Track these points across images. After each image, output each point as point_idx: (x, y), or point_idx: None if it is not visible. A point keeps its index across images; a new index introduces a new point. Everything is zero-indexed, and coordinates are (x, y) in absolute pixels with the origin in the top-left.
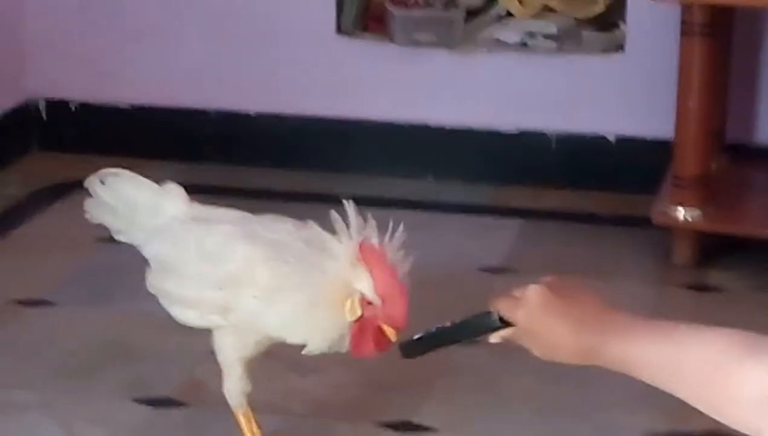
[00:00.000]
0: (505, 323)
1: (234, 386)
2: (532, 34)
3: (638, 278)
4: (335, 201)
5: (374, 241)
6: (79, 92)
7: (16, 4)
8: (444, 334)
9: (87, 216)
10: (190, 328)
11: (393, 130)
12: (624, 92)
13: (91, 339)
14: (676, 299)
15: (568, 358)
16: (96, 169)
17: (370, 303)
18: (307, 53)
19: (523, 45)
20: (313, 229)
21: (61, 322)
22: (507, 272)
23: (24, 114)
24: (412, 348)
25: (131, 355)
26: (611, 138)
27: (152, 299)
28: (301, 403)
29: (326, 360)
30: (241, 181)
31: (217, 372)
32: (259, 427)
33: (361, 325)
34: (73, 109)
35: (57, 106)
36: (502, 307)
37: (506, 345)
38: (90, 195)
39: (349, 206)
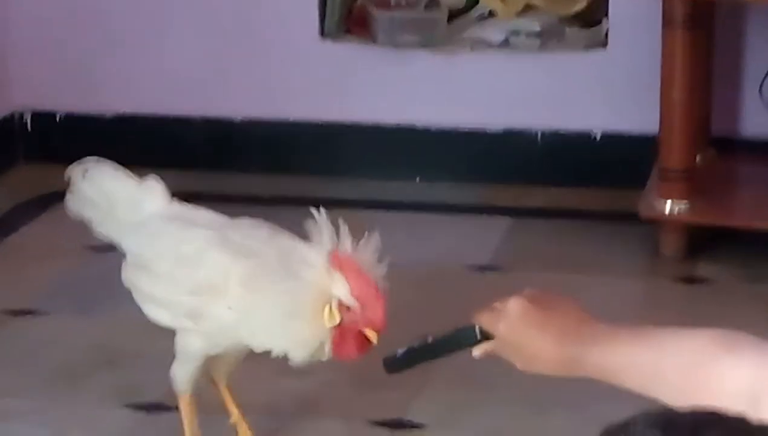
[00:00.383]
0: (486, 336)
1: (182, 373)
2: (515, 33)
3: (628, 273)
4: (323, 205)
5: (347, 247)
6: (64, 103)
7: (0, 15)
8: (426, 349)
9: (67, 206)
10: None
11: (379, 132)
12: (608, 88)
13: (80, 346)
14: (665, 292)
15: (550, 369)
16: None
17: (348, 308)
18: (291, 58)
19: (507, 44)
20: (288, 236)
21: (50, 330)
22: (495, 270)
23: (10, 125)
24: (395, 363)
25: (121, 361)
26: (596, 134)
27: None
28: (292, 402)
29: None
30: (229, 187)
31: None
32: (250, 428)
33: (341, 330)
34: (58, 119)
35: (43, 117)
36: (482, 320)
37: (489, 358)
38: (71, 186)
39: (321, 214)
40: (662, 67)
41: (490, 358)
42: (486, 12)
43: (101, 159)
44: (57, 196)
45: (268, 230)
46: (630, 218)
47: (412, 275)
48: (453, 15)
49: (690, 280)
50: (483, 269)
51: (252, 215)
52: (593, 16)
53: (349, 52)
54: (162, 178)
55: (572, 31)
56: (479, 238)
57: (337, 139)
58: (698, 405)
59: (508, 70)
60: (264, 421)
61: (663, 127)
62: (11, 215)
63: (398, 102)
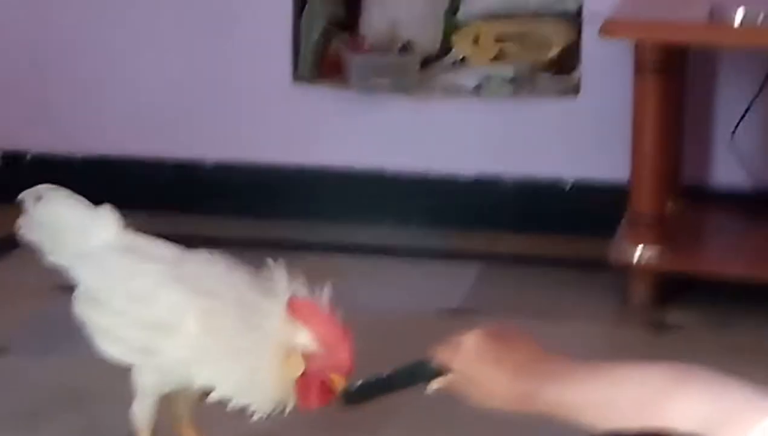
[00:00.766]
0: (442, 372)
1: (142, 412)
2: (488, 79)
3: (597, 320)
4: (293, 248)
5: (303, 295)
6: (34, 143)
7: None
8: (383, 382)
9: (19, 232)
10: None
11: (350, 176)
12: (580, 136)
13: (44, 386)
14: (634, 339)
15: (505, 404)
16: None
17: (311, 356)
18: (263, 101)
19: (479, 90)
20: (245, 274)
21: (14, 369)
22: (465, 314)
23: None
24: (352, 396)
25: (85, 401)
26: (567, 182)
27: None
28: None
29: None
30: (199, 229)
31: (170, 417)
32: None
33: (305, 380)
34: (28, 159)
35: (11, 158)
36: (438, 355)
37: (446, 393)
38: (23, 211)
39: (276, 264)
40: (633, 113)
41: (446, 393)
42: (459, 58)
43: (55, 187)
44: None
45: (225, 266)
46: (600, 265)
47: (381, 320)
48: (426, 60)
49: (659, 327)
50: (452, 313)
51: None
52: (566, 64)
53: (321, 95)
54: (131, 219)
55: (545, 79)
56: (449, 283)
57: (309, 184)
58: (648, 427)
59: (481, 116)
60: None
61: (634, 174)
62: None
63: (370, 147)
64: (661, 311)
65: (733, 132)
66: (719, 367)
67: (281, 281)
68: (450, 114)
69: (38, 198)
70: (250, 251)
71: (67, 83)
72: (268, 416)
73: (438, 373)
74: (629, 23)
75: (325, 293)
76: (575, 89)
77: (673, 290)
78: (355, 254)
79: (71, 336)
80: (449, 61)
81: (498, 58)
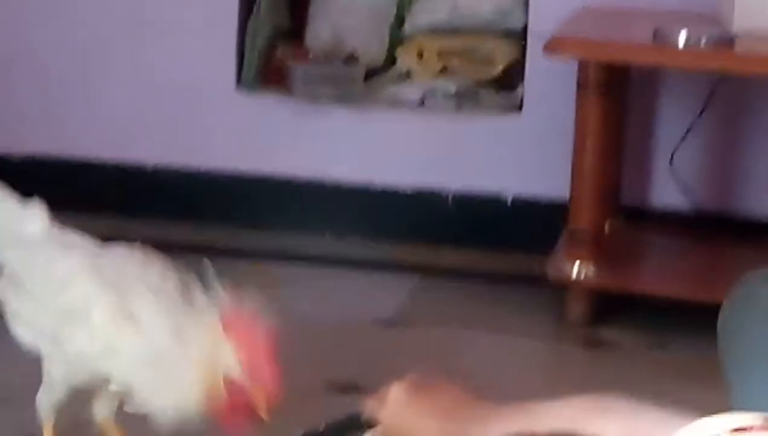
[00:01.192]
0: (371, 424)
1: (47, 402)
2: (431, 93)
3: (533, 336)
4: (232, 254)
5: (232, 304)
6: None
7: None
8: None
9: None
10: None
11: (291, 185)
12: (521, 152)
13: None
14: (570, 356)
15: None
16: None
17: (234, 382)
18: (206, 107)
19: (423, 104)
20: (168, 273)
21: None
22: (400, 325)
23: None
24: None
25: (16, 396)
26: (508, 197)
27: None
28: None
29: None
30: (139, 233)
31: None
32: None
33: (228, 405)
34: None
35: None
36: (366, 407)
37: None
38: None
39: (208, 266)
40: (575, 131)
41: None
42: (404, 71)
43: None
44: None
45: (143, 261)
46: (537, 281)
47: (317, 329)
48: (371, 72)
49: (594, 344)
50: (389, 324)
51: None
52: (510, 82)
53: (265, 103)
54: (70, 222)
55: (488, 95)
56: (386, 294)
57: (249, 190)
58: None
59: (423, 130)
60: None
61: (573, 191)
62: None
63: (312, 156)
64: (597, 329)
65: (672, 156)
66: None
67: (212, 287)
68: (393, 126)
69: None
70: (187, 255)
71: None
72: (176, 424)
73: (369, 425)
74: (574, 41)
75: (255, 304)
76: (518, 106)
77: (610, 308)
78: (292, 262)
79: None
80: (394, 74)
81: (442, 72)
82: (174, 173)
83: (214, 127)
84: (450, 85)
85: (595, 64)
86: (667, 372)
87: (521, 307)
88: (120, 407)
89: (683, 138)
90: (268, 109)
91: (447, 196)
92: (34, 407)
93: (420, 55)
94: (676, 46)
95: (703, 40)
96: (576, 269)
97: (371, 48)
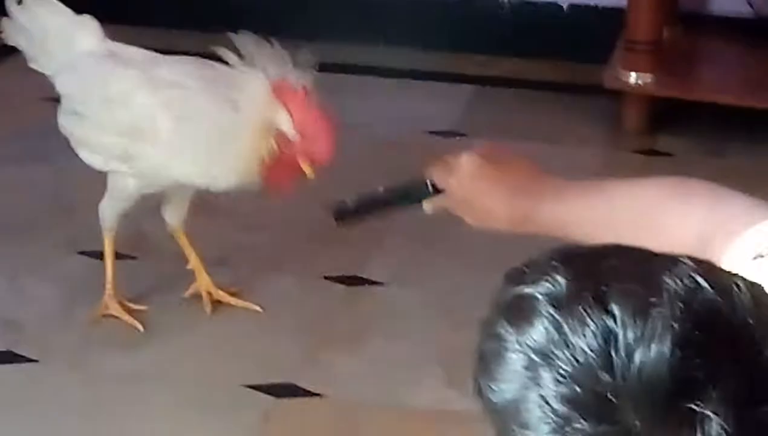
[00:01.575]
0: (438, 191)
1: (111, 211)
2: None
3: (589, 144)
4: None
5: (290, 77)
6: None
7: None
8: (376, 199)
9: (2, 36)
10: None
11: None
12: None
13: (34, 195)
14: (626, 164)
15: (501, 224)
16: None
17: (288, 140)
18: None
19: None
20: (220, 67)
21: (5, 178)
22: (456, 136)
23: None
24: (343, 212)
25: (76, 209)
26: (564, 5)
27: None
28: (246, 257)
29: (273, 217)
30: (188, 45)
31: (162, 225)
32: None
33: (277, 161)
34: None
35: None
36: (434, 174)
37: (440, 212)
38: (7, 14)
39: (258, 39)
40: None
41: (441, 212)
42: None
43: None
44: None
45: (201, 63)
46: (594, 90)
47: (373, 139)
48: None
49: (651, 152)
50: (444, 134)
51: None
52: None
53: None
54: (121, 35)
55: None
56: (442, 104)
57: (303, 3)
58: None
59: None
60: (217, 275)
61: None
62: None
63: None
64: (655, 137)
65: None
66: None
67: (267, 59)
68: None
69: (20, 2)
70: None
71: None
72: (233, 192)
73: (433, 192)
74: None
75: (310, 77)
76: None
77: (667, 116)
78: (347, 73)
79: (61, 147)
80: None
81: None
82: None
83: None
84: None
85: None
86: (725, 179)
87: (577, 116)
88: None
89: None
90: None
91: (503, 4)
92: (91, 221)
93: None
94: None
95: None
96: (633, 77)
97: None
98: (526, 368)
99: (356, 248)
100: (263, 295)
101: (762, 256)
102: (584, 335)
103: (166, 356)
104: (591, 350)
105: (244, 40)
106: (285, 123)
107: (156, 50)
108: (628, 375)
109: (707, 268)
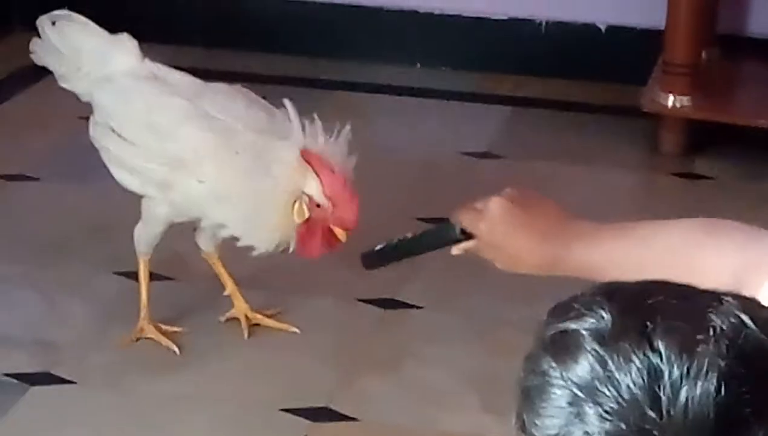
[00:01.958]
0: (467, 235)
1: (145, 236)
2: None
3: (626, 167)
4: (322, 86)
5: (319, 143)
6: None
7: None
8: (405, 245)
9: (32, 57)
10: None
11: (381, 15)
12: None
13: (71, 214)
14: (662, 187)
15: (531, 268)
16: None
17: (318, 205)
18: None
19: None
20: (265, 109)
21: (42, 197)
22: (491, 158)
23: None
24: (373, 259)
25: (112, 230)
26: (602, 26)
27: None
28: (281, 279)
29: None
30: (226, 65)
31: (196, 248)
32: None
33: (308, 226)
34: None
35: None
36: (463, 219)
37: (469, 257)
38: (39, 35)
39: (292, 109)
40: None
41: (470, 256)
42: None
43: (71, 13)
44: None
45: (244, 101)
46: (631, 112)
47: (407, 160)
48: None
49: (688, 176)
50: (479, 156)
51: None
52: None
53: None
54: (156, 52)
55: None
56: (477, 126)
57: (339, 21)
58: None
59: None
60: (252, 296)
61: (669, 21)
62: (6, 83)
63: None
64: (690, 161)
65: None
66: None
67: (296, 124)
68: None
69: (53, 21)
70: (276, 87)
71: None
72: (269, 253)
73: (462, 237)
74: None
75: (341, 140)
76: None
77: (704, 139)
78: (381, 93)
79: (97, 166)
80: None
81: None
82: (262, 3)
83: None
84: None
85: None
86: (762, 204)
87: (613, 138)
88: (220, 239)
89: None
90: None
91: (540, 25)
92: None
93: None
94: None
95: None
96: (671, 100)
97: None
98: (571, 403)
99: (393, 271)
100: (299, 317)
101: None
102: (629, 372)
103: (203, 378)
104: (636, 387)
105: (289, 107)
106: (314, 189)
107: (193, 69)
108: (674, 412)
109: (751, 305)
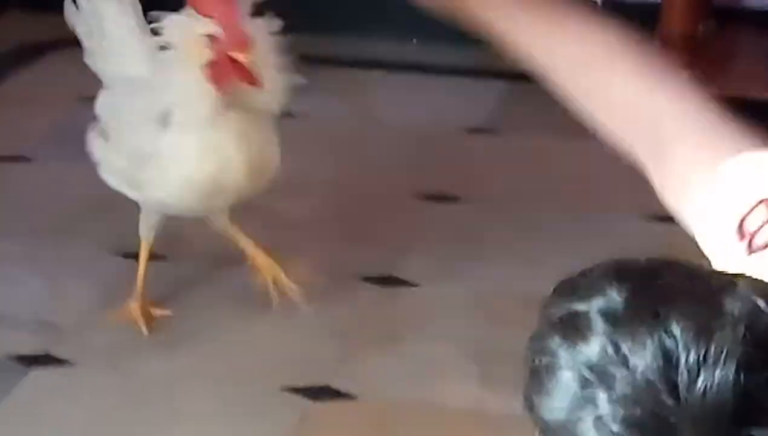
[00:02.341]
0: None
1: (146, 221)
2: None
3: None
4: (320, 61)
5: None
6: None
7: None
8: None
9: (67, 20)
10: None
11: None
12: None
13: (71, 195)
14: None
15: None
16: None
17: (215, 38)
18: None
19: None
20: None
21: (41, 178)
22: (490, 132)
23: None
24: None
25: (112, 210)
26: (599, 0)
27: None
28: (282, 257)
29: (308, 216)
30: None
31: (198, 228)
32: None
33: (214, 63)
34: None
35: None
36: None
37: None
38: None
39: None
40: None
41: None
42: None
43: None
44: (51, 45)
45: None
46: None
47: (405, 136)
48: None
49: None
50: (477, 131)
51: None
52: None
53: None
54: None
55: None
56: (475, 101)
57: None
58: (651, 255)
59: None
60: (251, 273)
61: None
62: (4, 63)
63: None
64: None
65: None
66: None
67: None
68: None
69: None
70: None
71: None
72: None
73: None
74: None
75: None
76: None
77: None
78: (380, 68)
79: None
80: None
81: None
82: None
83: None
84: None
85: None
86: None
87: None
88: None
89: None
90: None
91: None
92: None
93: None
94: None
95: None
96: None
97: None
98: (581, 386)
99: (391, 248)
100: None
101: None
102: (644, 356)
103: (203, 358)
104: (651, 371)
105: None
106: (206, 25)
107: None
108: (691, 399)
109: (765, 289)
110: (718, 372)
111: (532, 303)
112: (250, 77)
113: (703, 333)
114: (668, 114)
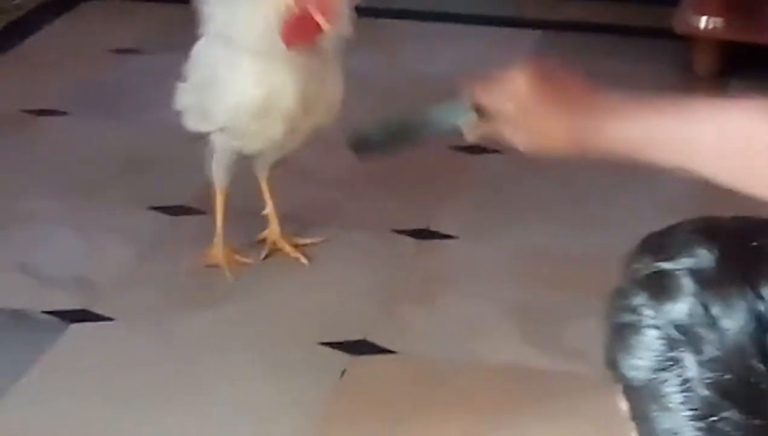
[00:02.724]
0: (481, 114)
1: (217, 168)
2: None
3: (660, 89)
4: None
5: None
6: None
7: None
8: (404, 125)
9: None
10: (203, 138)
11: None
12: None
13: (105, 150)
14: None
15: (561, 146)
16: None
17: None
18: None
19: None
20: None
21: (75, 133)
22: None
23: None
24: (364, 143)
25: (147, 165)
26: None
27: (166, 110)
28: (316, 211)
29: (344, 170)
30: None
31: (232, 181)
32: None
33: (294, 19)
34: None
35: None
36: (480, 96)
37: (483, 139)
38: None
39: None
40: None
41: (485, 139)
42: None
43: None
44: None
45: None
46: (664, 34)
47: (437, 87)
48: None
49: (722, 97)
50: None
51: None
52: None
53: None
54: None
55: None
56: (508, 50)
57: None
58: (743, 215)
59: None
60: (288, 227)
61: None
62: (34, 14)
63: None
64: (724, 82)
65: None
66: None
67: None
68: None
69: None
70: None
71: None
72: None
73: (477, 116)
74: None
75: None
76: None
77: (738, 61)
78: (411, 19)
79: (128, 101)
80: None
81: None
82: None
83: None
84: None
85: None
86: None
87: (647, 60)
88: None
89: None
90: None
91: None
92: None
93: None
94: None
95: None
96: (704, 22)
97: None
98: (667, 346)
99: (426, 201)
100: (334, 250)
101: None
102: (734, 318)
103: (241, 315)
104: (742, 334)
105: None
106: None
107: None
108: None
109: None
110: None
111: (571, 263)
112: (315, 38)
113: None
114: None
